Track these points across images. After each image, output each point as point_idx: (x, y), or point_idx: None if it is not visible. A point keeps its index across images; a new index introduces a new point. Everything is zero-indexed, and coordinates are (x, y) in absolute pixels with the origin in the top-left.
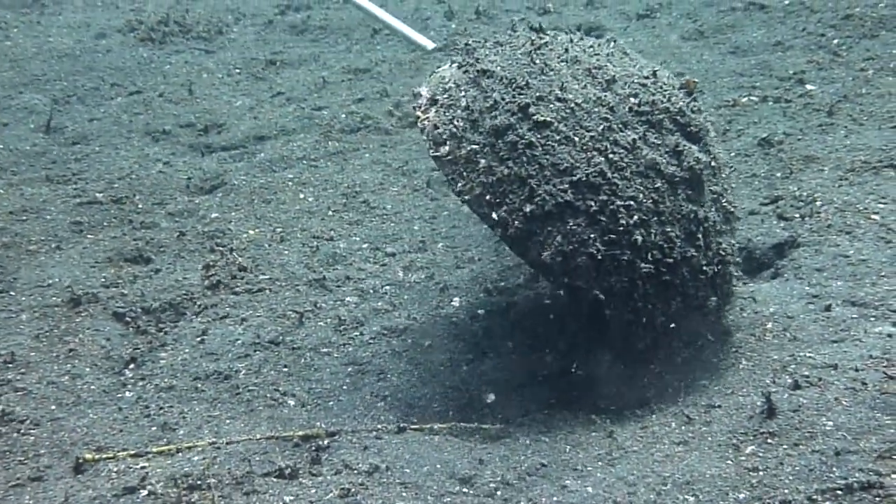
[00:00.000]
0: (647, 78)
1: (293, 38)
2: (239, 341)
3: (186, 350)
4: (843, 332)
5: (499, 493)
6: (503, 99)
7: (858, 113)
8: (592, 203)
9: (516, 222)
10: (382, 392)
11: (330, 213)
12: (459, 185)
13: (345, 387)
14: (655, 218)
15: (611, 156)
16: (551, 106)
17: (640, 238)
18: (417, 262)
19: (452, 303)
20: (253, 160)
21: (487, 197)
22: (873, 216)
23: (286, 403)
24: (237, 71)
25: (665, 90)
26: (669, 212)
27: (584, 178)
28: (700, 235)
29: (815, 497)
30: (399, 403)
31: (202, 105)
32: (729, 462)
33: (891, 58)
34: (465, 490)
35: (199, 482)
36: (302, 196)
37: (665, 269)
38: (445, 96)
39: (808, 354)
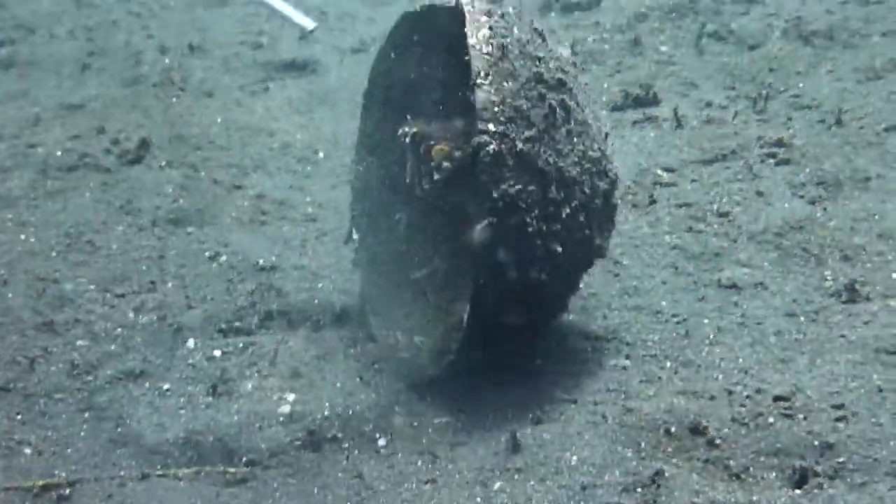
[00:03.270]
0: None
1: None
2: None
3: None
4: (580, 365)
5: None
6: (549, 56)
7: None
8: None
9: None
10: (122, 438)
11: (54, 253)
12: (479, 64)
13: (82, 433)
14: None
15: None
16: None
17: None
18: (148, 302)
19: (187, 344)
20: None
21: (492, 95)
22: None
23: (22, 452)
24: None
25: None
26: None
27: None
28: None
29: None
30: (140, 449)
31: None
32: (478, 499)
33: None
34: None
35: None
36: (23, 237)
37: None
38: (499, 12)
39: (547, 388)
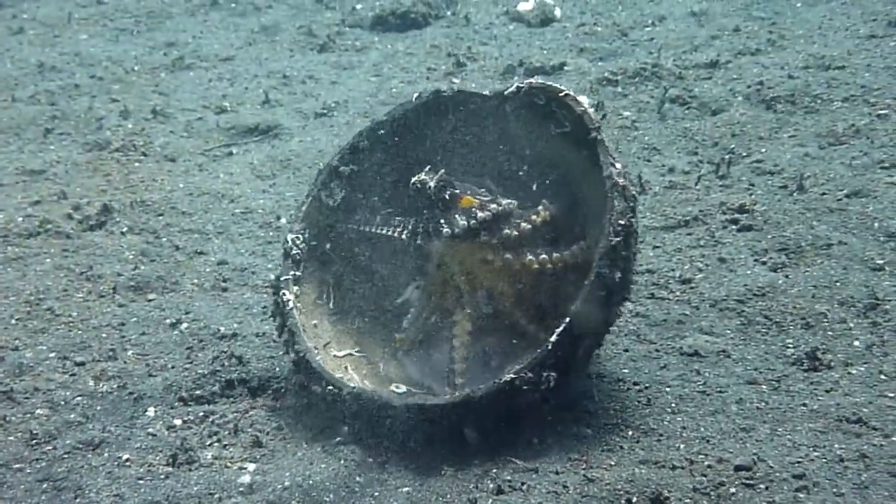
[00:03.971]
0: None
1: None
2: None
3: None
4: (541, 433)
5: None
6: None
7: None
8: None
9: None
10: None
11: (13, 321)
12: (594, 117)
13: None
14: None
15: None
16: None
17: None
18: (109, 370)
19: (147, 413)
20: None
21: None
22: None
23: None
24: None
25: None
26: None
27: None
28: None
29: None
30: None
31: None
32: None
33: None
34: None
35: None
36: None
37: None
38: None
39: (508, 458)
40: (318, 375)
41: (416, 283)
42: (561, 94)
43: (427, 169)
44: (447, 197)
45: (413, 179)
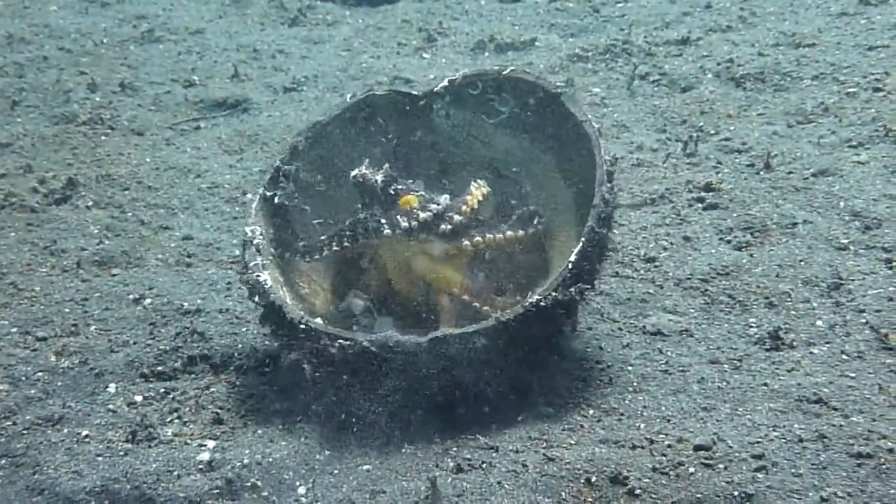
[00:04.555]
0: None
1: None
2: None
3: None
4: (501, 413)
5: None
6: None
7: None
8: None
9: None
10: (38, 485)
11: None
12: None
13: None
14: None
15: None
16: None
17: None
18: (70, 346)
19: (108, 389)
20: None
21: None
22: None
23: None
24: None
25: None
26: None
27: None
28: None
29: None
30: (56, 498)
31: None
32: None
33: None
34: None
35: None
36: None
37: None
38: None
39: (468, 436)
40: (326, 334)
41: (355, 291)
42: (505, 73)
43: (366, 163)
44: (392, 192)
45: (353, 173)
